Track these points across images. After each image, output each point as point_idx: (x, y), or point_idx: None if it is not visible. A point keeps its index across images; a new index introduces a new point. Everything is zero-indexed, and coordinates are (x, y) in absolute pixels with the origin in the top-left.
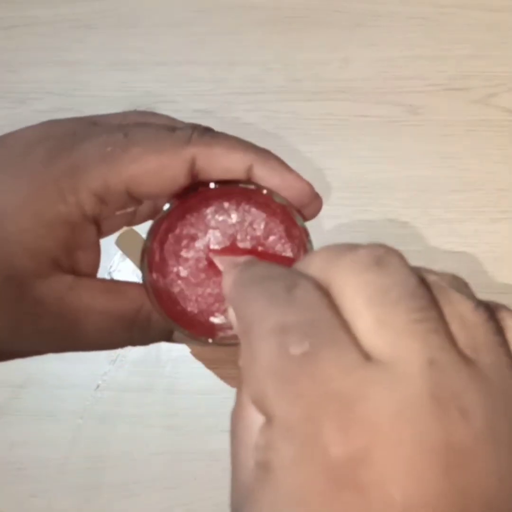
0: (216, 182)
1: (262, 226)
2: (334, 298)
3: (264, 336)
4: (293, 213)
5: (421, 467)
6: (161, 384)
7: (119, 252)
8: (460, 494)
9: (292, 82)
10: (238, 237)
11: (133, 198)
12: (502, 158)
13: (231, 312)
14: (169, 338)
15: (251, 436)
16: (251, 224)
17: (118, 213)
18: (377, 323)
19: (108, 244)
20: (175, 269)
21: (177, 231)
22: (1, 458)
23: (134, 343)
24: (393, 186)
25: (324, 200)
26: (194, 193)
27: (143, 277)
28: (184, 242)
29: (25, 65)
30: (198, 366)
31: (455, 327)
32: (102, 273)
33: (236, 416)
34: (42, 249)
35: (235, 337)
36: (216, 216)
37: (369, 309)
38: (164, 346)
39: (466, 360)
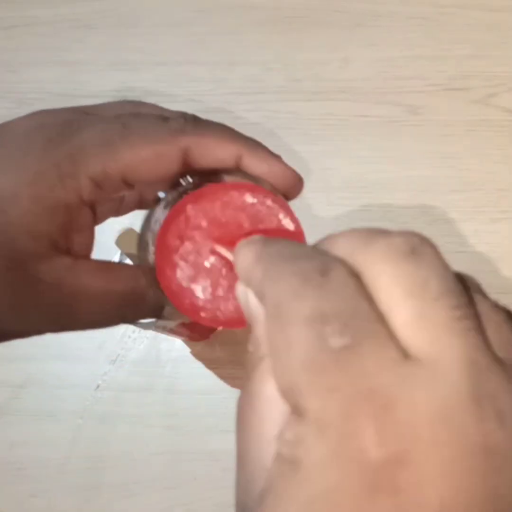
0: (205, 173)
1: (257, 215)
2: (367, 286)
3: (300, 322)
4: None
5: (459, 471)
6: (161, 384)
7: (119, 252)
8: (497, 500)
9: (292, 82)
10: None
11: (127, 184)
12: (502, 158)
13: (241, 291)
14: (159, 314)
15: (268, 428)
16: (246, 215)
17: (111, 199)
18: (416, 318)
19: (108, 244)
20: (177, 258)
21: (178, 220)
22: (1, 458)
23: (127, 321)
24: (393, 186)
25: (324, 199)
26: (190, 185)
27: (143, 257)
28: (184, 232)
29: (25, 65)
30: (198, 366)
31: (487, 327)
32: None
33: (248, 407)
34: (43, 231)
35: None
36: (213, 208)
37: (408, 302)
38: (164, 346)
39: (500, 361)
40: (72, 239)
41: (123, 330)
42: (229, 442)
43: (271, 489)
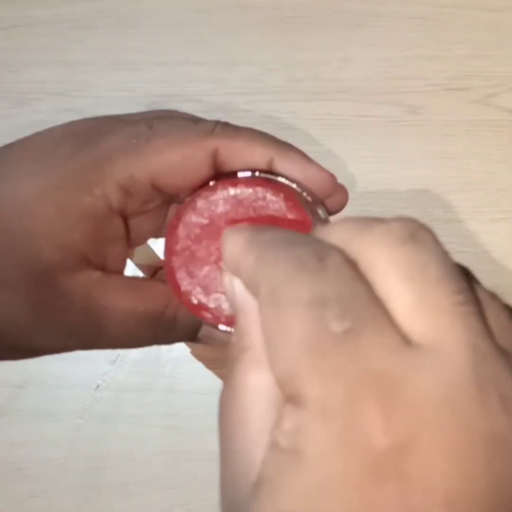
0: (237, 172)
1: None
2: (364, 272)
3: (299, 307)
4: (315, 205)
5: (465, 457)
6: (161, 384)
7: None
8: (502, 485)
9: (292, 82)
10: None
11: (157, 190)
12: (502, 158)
13: (227, 281)
14: (194, 337)
15: (254, 421)
16: (256, 211)
17: (143, 210)
18: (417, 302)
19: None
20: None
21: (203, 221)
22: (1, 458)
23: (158, 342)
24: (393, 186)
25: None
26: (217, 184)
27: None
28: (207, 234)
29: (25, 65)
30: (198, 366)
31: (487, 314)
32: None
33: (231, 401)
34: (69, 241)
35: None
36: (239, 208)
37: (408, 287)
38: (164, 346)
39: (501, 348)
40: (103, 252)
41: None
42: None
43: (267, 481)
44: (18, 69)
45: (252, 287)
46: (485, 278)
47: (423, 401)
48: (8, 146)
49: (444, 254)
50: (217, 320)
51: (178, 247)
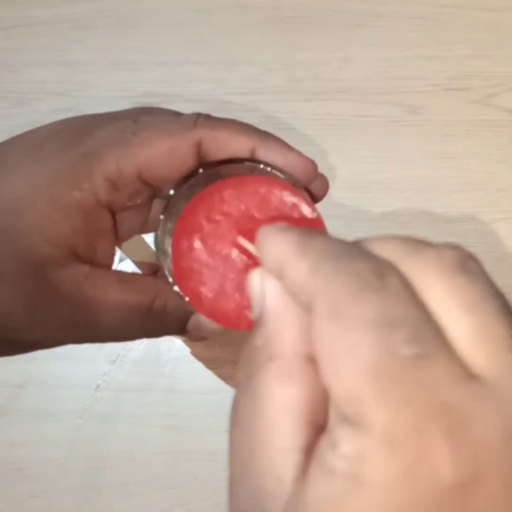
0: (223, 161)
1: (276, 205)
2: (419, 296)
3: (365, 327)
4: (301, 190)
5: None
6: (161, 384)
7: (119, 252)
8: None
9: (292, 82)
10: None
11: (144, 183)
12: (502, 158)
13: (257, 281)
14: (183, 330)
15: (280, 437)
16: (267, 205)
17: (129, 204)
18: (477, 334)
19: None
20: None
21: (197, 214)
22: (1, 458)
23: (148, 335)
24: (393, 186)
25: (324, 199)
26: (204, 175)
27: (164, 264)
28: (204, 228)
29: (25, 65)
30: (198, 366)
31: None
32: None
33: (254, 411)
34: (59, 235)
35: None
36: (232, 200)
37: (468, 317)
38: (164, 346)
39: None
40: (93, 246)
41: None
42: None
43: (315, 505)
44: (18, 69)
45: (303, 297)
46: None
47: (490, 439)
48: None
49: (494, 285)
50: (212, 315)
51: (192, 227)
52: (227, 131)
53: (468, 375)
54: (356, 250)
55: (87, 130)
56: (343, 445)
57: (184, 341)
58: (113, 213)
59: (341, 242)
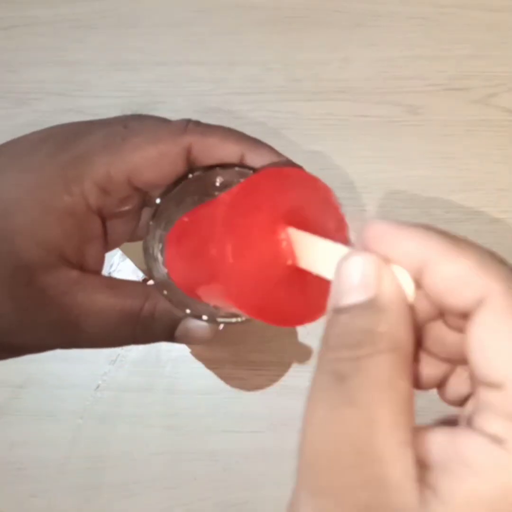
0: (213, 167)
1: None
2: None
3: None
4: None
5: None
6: (161, 384)
7: (119, 252)
8: None
9: (292, 82)
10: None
11: (134, 188)
12: (502, 158)
13: (376, 266)
14: (171, 337)
15: (394, 457)
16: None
17: (120, 209)
18: None
19: None
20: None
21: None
22: (1, 458)
23: (137, 341)
24: (393, 186)
25: None
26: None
27: (153, 269)
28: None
29: (25, 65)
30: (198, 366)
31: None
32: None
33: (373, 398)
34: (49, 239)
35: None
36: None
37: None
38: (164, 346)
39: None
40: (82, 251)
41: None
42: (229, 442)
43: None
44: (18, 69)
45: (467, 292)
46: None
47: None
48: None
49: None
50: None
51: (240, 218)
52: (217, 137)
53: None
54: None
55: (78, 135)
56: None
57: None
58: (103, 219)
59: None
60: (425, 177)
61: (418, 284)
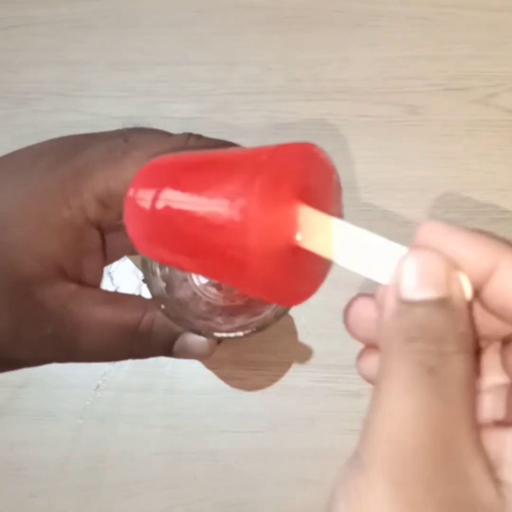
0: None
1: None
2: None
3: None
4: None
5: None
6: (161, 384)
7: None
8: None
9: (292, 82)
10: None
11: None
12: (502, 158)
13: (441, 270)
14: (169, 352)
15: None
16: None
17: (119, 223)
18: None
19: None
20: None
21: None
22: (1, 458)
23: (134, 356)
24: (393, 186)
25: None
26: None
27: (151, 284)
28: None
29: (25, 65)
30: (198, 366)
31: None
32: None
33: (456, 392)
34: (47, 252)
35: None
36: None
37: None
38: None
39: None
40: (80, 264)
41: None
42: (229, 442)
43: None
44: (18, 69)
45: None
46: None
47: None
48: None
49: None
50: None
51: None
52: None
53: None
54: None
55: (78, 148)
56: None
57: None
58: (102, 232)
59: None
60: (425, 177)
61: (477, 291)
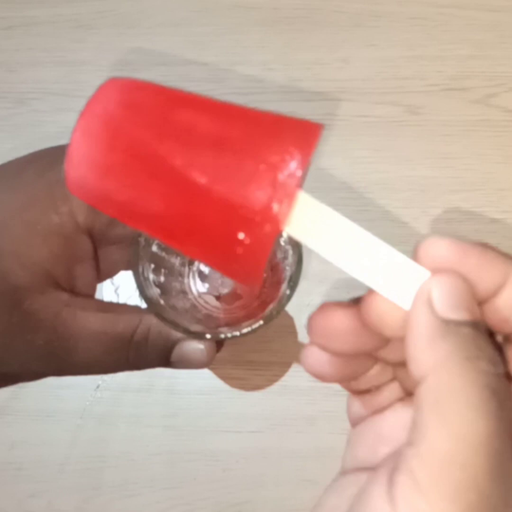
0: None
1: None
2: None
3: None
4: None
5: None
6: (160, 384)
7: None
8: None
9: (292, 82)
10: None
11: None
12: (502, 158)
13: (465, 290)
14: (167, 362)
15: None
16: None
17: (110, 228)
18: None
19: None
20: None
21: None
22: (1, 458)
23: (130, 367)
24: (393, 186)
25: (324, 199)
26: None
27: (145, 293)
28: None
29: (25, 65)
30: None
31: None
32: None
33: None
34: (36, 260)
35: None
36: None
37: None
38: None
39: None
40: (72, 272)
41: None
42: (229, 442)
43: None
44: (18, 69)
45: None
46: None
47: None
48: None
49: None
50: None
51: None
52: None
53: None
54: None
55: (64, 155)
56: None
57: None
58: (93, 240)
59: None
60: (425, 177)
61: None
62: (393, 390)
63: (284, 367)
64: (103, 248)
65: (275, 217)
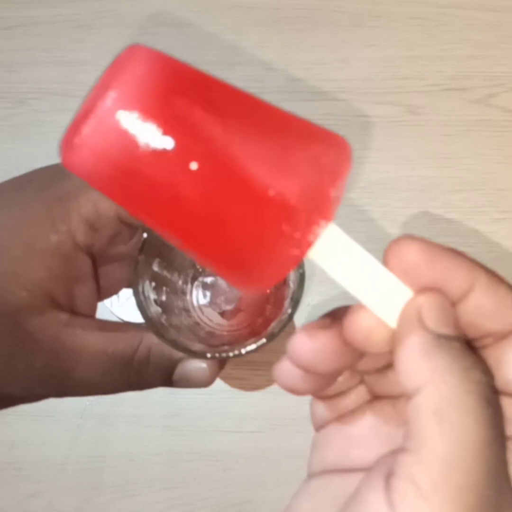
0: None
1: None
2: None
3: None
4: None
5: None
6: None
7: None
8: None
9: (292, 82)
10: None
11: (124, 224)
12: (502, 158)
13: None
14: (169, 381)
15: None
16: None
17: (110, 247)
18: None
19: None
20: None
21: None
22: (1, 458)
23: (132, 387)
24: (393, 186)
25: None
26: None
27: (145, 311)
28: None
29: (25, 65)
30: None
31: None
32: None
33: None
34: (35, 280)
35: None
36: None
37: None
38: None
39: None
40: (71, 292)
41: None
42: (229, 442)
43: None
44: (18, 69)
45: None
46: None
47: None
48: None
49: None
50: None
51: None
52: None
53: None
54: None
55: (64, 173)
56: None
57: None
58: (93, 259)
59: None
60: (425, 177)
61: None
62: (360, 394)
63: None
64: (103, 266)
65: (309, 241)
